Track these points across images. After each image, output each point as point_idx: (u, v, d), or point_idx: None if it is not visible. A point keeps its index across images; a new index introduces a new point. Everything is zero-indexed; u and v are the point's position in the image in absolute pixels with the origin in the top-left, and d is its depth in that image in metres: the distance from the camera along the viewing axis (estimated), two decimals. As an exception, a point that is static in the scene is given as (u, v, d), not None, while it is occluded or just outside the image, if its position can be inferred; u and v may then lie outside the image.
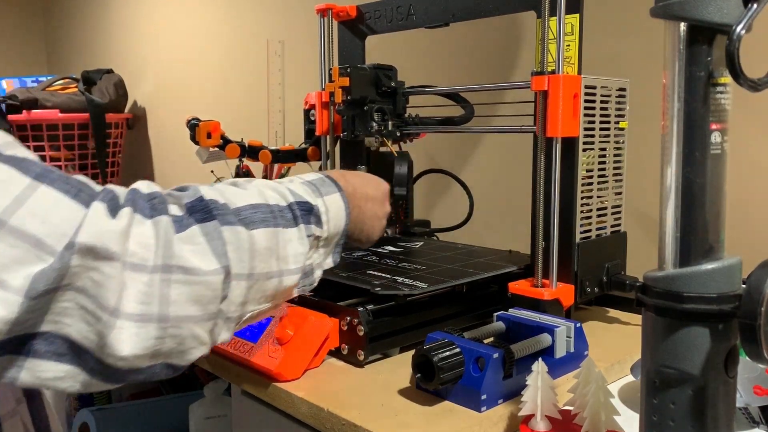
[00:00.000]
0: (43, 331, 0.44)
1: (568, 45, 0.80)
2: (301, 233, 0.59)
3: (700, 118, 0.40)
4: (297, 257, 0.58)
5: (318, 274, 0.63)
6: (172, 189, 0.55)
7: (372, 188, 0.72)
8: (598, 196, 0.84)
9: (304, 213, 0.60)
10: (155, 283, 0.46)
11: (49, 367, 0.45)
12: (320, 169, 1.05)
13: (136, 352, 0.46)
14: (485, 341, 0.68)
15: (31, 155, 0.45)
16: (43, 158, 2.03)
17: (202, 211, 0.51)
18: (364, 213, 0.69)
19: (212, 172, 1.33)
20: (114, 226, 0.45)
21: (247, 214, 0.54)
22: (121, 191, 0.49)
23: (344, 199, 0.65)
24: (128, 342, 0.45)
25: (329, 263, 0.65)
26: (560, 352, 0.70)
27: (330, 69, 1.01)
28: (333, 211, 0.63)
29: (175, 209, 0.50)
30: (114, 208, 0.46)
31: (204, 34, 2.02)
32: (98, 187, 0.47)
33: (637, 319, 0.86)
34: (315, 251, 0.62)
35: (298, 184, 0.63)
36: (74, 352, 0.45)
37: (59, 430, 0.70)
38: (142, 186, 0.51)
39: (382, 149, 1.00)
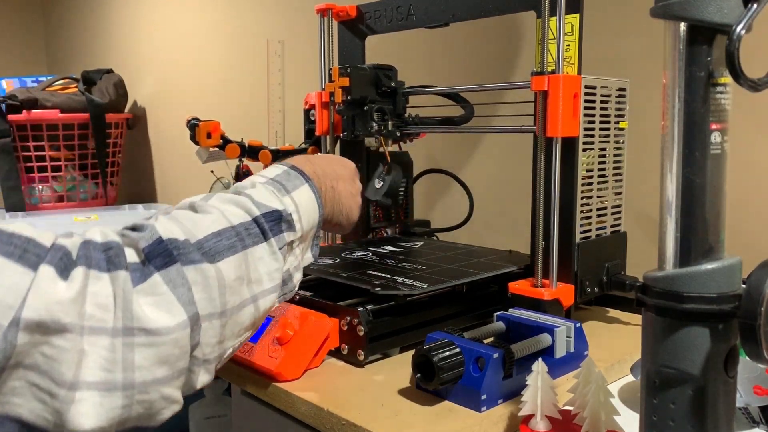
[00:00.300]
0: None
1: (568, 45, 0.80)
2: (273, 248, 0.55)
3: (700, 118, 0.40)
4: (272, 274, 0.55)
5: (298, 277, 0.60)
6: (126, 228, 0.50)
7: (339, 167, 0.69)
8: (598, 196, 0.84)
9: (273, 223, 0.55)
10: (117, 347, 0.43)
11: None
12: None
13: (100, 424, 0.42)
14: (485, 341, 0.68)
15: None
16: (42, 158, 2.02)
17: (161, 256, 0.47)
18: (339, 193, 0.66)
19: (212, 172, 1.33)
20: (65, 292, 0.41)
21: (211, 245, 0.50)
22: (73, 244, 0.44)
23: (313, 188, 0.61)
24: (91, 414, 0.42)
25: (308, 259, 0.62)
26: (560, 352, 0.70)
27: (330, 69, 1.01)
28: (304, 205, 0.60)
29: (132, 256, 0.46)
30: (65, 268, 0.42)
31: (204, 34, 2.02)
32: (47, 241, 0.43)
33: (637, 319, 0.86)
34: (290, 254, 0.58)
35: (261, 187, 0.58)
36: None
37: None
38: (96, 235, 0.47)
39: (382, 149, 0.99)
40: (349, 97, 0.95)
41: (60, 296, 0.40)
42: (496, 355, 0.62)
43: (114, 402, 0.43)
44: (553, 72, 0.77)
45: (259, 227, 0.54)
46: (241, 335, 0.53)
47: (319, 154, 0.72)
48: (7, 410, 0.40)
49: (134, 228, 0.50)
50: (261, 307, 0.54)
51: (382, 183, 0.93)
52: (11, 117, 1.88)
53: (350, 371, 0.72)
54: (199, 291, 0.47)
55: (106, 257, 0.45)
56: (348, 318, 0.72)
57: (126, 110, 2.25)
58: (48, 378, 0.40)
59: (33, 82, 2.24)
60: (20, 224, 0.43)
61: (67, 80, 2.11)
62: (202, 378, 0.50)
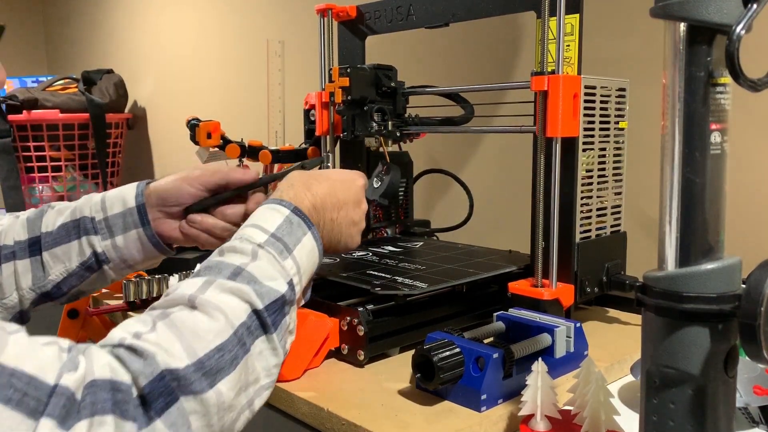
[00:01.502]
0: None
1: (568, 45, 0.80)
2: (273, 343, 0.52)
3: (700, 118, 0.40)
4: (269, 370, 0.52)
5: (291, 340, 0.57)
6: (125, 346, 0.47)
7: (342, 192, 0.66)
8: (598, 196, 0.84)
9: (276, 315, 0.53)
10: None
11: None
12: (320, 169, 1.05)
13: None
14: (485, 341, 0.68)
15: None
16: (42, 158, 2.01)
17: (163, 396, 0.45)
18: (339, 224, 0.65)
19: (212, 172, 1.33)
20: None
21: (213, 363, 0.47)
22: (78, 384, 0.42)
23: (315, 234, 0.60)
24: None
25: (304, 301, 0.61)
26: (560, 352, 0.70)
27: (330, 69, 1.01)
28: (305, 262, 0.58)
29: (133, 392, 0.45)
30: (67, 415, 0.40)
31: (204, 34, 2.02)
32: (51, 379, 0.40)
33: (637, 319, 0.86)
34: (285, 348, 0.55)
35: (263, 256, 0.55)
36: None
37: None
38: (104, 370, 0.44)
39: (382, 150, 1.00)
40: (349, 97, 0.95)
41: None
42: (496, 355, 0.62)
43: None
44: (553, 72, 0.77)
45: (261, 321, 0.52)
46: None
47: (320, 174, 0.68)
48: None
49: (134, 350, 0.47)
50: (256, 406, 0.52)
51: (380, 183, 0.93)
52: (11, 117, 1.88)
53: (350, 371, 0.72)
54: (197, 420, 0.46)
55: (113, 400, 0.43)
56: (348, 318, 0.72)
57: (126, 110, 2.25)
58: None
59: (33, 82, 2.24)
60: (20, 339, 0.41)
61: (67, 80, 2.11)
62: None
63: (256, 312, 0.51)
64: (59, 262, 0.73)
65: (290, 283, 0.55)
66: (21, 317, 0.75)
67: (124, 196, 0.74)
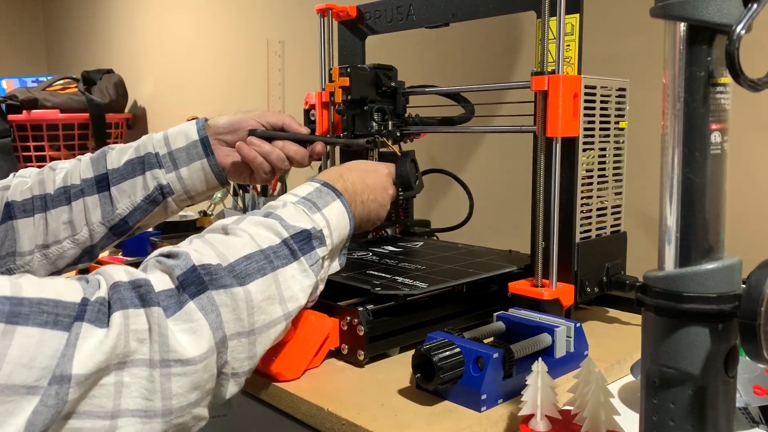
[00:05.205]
0: None
1: (568, 45, 0.80)
2: (303, 266, 0.59)
3: (700, 118, 0.40)
4: (305, 290, 0.59)
5: (321, 288, 0.64)
6: (162, 254, 0.53)
7: (371, 178, 0.73)
8: (598, 196, 0.84)
9: (303, 243, 0.59)
10: (156, 378, 0.46)
11: None
12: (320, 169, 1.05)
13: None
14: (485, 341, 0.68)
15: None
16: (42, 158, 2.01)
17: (195, 284, 0.50)
18: (368, 206, 0.71)
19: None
20: (106, 341, 0.44)
21: (242, 268, 0.53)
22: (104, 290, 0.47)
23: (345, 204, 0.66)
24: None
25: (335, 267, 0.66)
26: (560, 352, 0.70)
27: (330, 69, 1.00)
28: (335, 221, 0.64)
29: (165, 282, 0.50)
30: (102, 317, 0.45)
31: (204, 34, 2.02)
32: (76, 297, 0.45)
33: (637, 319, 0.86)
34: (320, 273, 0.62)
35: (291, 207, 0.62)
36: None
37: None
38: (121, 275, 0.49)
39: (382, 150, 0.99)
40: (349, 97, 0.95)
41: (103, 346, 0.43)
42: (496, 355, 0.62)
43: (154, 428, 0.46)
44: (553, 72, 0.77)
45: (288, 248, 0.58)
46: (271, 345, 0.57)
47: (351, 163, 0.75)
48: None
49: (169, 255, 0.53)
50: (291, 320, 0.58)
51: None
52: (11, 117, 1.88)
53: (350, 371, 0.72)
54: (227, 312, 0.51)
55: (138, 294, 0.47)
56: (348, 318, 0.72)
57: (126, 110, 2.25)
58: (89, 418, 0.43)
59: (33, 82, 2.24)
60: (31, 280, 0.44)
61: (67, 80, 2.11)
62: (231, 389, 0.54)
63: (283, 241, 0.58)
64: (126, 196, 0.80)
65: (319, 231, 0.61)
66: (91, 252, 0.81)
67: (186, 131, 0.83)
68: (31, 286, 0.43)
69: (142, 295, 0.48)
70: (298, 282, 0.58)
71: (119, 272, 0.49)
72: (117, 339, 0.44)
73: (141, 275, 0.50)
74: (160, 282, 0.50)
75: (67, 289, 0.45)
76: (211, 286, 0.51)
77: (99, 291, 0.47)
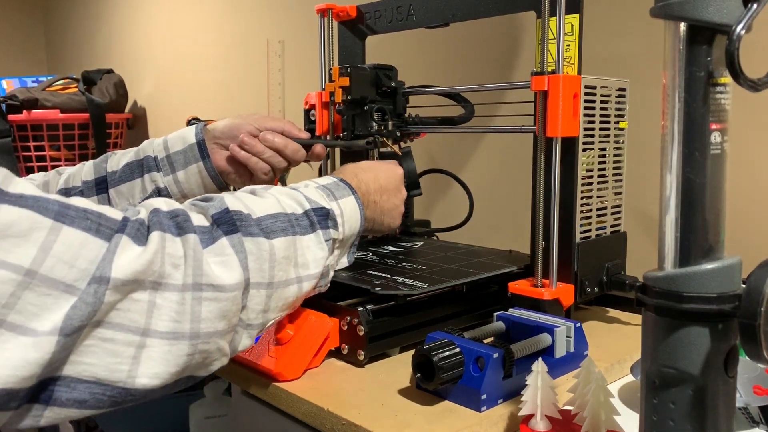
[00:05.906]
0: (64, 375, 0.43)
1: (568, 45, 0.80)
2: (319, 238, 0.61)
3: (700, 118, 0.40)
4: (317, 261, 0.60)
5: (332, 275, 0.65)
6: (196, 199, 0.57)
7: (384, 179, 0.74)
8: (598, 196, 0.84)
9: (321, 218, 0.62)
10: (187, 301, 0.47)
11: (70, 414, 0.44)
12: (320, 169, 1.05)
13: (168, 369, 0.47)
14: (485, 341, 0.68)
15: (30, 189, 0.43)
16: (43, 158, 2.01)
17: (228, 223, 0.53)
18: (381, 207, 0.72)
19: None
20: (143, 255, 0.45)
21: (268, 223, 0.56)
22: (144, 214, 0.49)
23: (358, 201, 0.67)
24: (160, 360, 0.46)
25: (344, 263, 0.67)
26: (560, 352, 0.70)
27: (330, 69, 1.01)
28: (348, 213, 0.65)
29: (201, 220, 0.52)
30: (141, 236, 0.47)
31: (204, 34, 2.02)
32: (118, 215, 0.47)
33: (637, 319, 0.86)
34: (331, 254, 0.63)
35: (312, 189, 0.65)
36: (97, 393, 0.45)
37: (69, 428, 0.71)
38: (161, 204, 0.52)
39: (382, 150, 0.99)
40: (349, 97, 0.95)
41: (141, 258, 0.45)
42: (496, 355, 0.62)
43: (181, 350, 0.47)
44: (553, 72, 0.77)
45: (309, 219, 0.60)
46: (282, 310, 0.58)
47: (364, 164, 0.77)
48: (79, 372, 0.43)
49: (204, 199, 0.56)
50: (304, 288, 0.59)
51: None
52: (11, 117, 1.88)
53: (350, 371, 0.72)
54: (253, 260, 0.53)
55: (175, 223, 0.49)
56: (348, 318, 0.72)
57: (126, 110, 2.25)
58: (121, 330, 0.44)
59: (33, 82, 2.24)
60: (79, 199, 0.47)
61: (67, 80, 2.11)
62: (244, 342, 0.55)
63: (305, 212, 0.60)
64: (123, 198, 0.82)
65: (334, 215, 0.63)
66: None
67: (184, 135, 0.84)
68: (77, 200, 0.46)
69: (179, 223, 0.50)
70: (313, 252, 0.60)
71: (159, 202, 0.52)
72: (154, 255, 0.46)
73: (180, 206, 0.52)
74: (196, 218, 0.52)
75: (110, 209, 0.48)
76: (241, 229, 0.53)
77: (139, 215, 0.49)
